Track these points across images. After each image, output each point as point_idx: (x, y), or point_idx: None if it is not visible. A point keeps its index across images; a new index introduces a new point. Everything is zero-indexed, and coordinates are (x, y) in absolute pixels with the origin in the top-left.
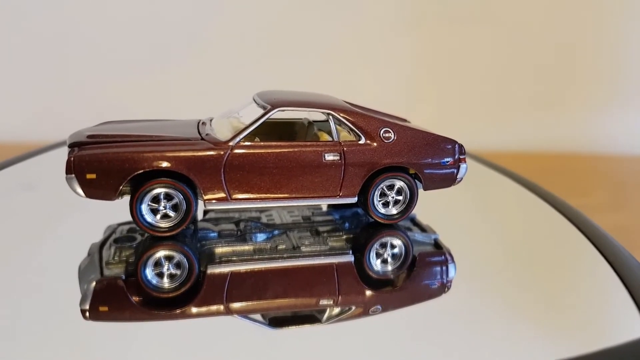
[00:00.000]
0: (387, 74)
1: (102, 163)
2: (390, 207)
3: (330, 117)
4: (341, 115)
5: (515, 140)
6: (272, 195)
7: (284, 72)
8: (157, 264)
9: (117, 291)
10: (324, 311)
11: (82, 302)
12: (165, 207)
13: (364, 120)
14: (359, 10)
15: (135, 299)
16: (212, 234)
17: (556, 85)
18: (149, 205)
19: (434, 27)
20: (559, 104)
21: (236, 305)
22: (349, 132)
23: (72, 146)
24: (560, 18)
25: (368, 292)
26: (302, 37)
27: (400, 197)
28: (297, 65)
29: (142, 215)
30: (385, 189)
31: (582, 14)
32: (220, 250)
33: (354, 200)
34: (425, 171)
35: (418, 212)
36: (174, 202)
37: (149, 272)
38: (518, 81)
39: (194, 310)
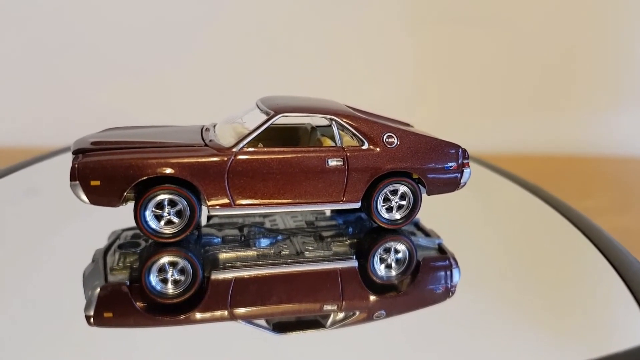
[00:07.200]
0: (389, 77)
1: (106, 170)
2: (393, 212)
3: (333, 122)
4: (344, 120)
5: (519, 142)
6: (276, 201)
7: (287, 77)
8: (161, 269)
9: (121, 297)
10: (327, 316)
11: (86, 308)
12: (169, 213)
13: (367, 125)
14: (361, 13)
15: (139, 304)
16: (216, 240)
17: (559, 86)
18: (153, 211)
19: (436, 29)
20: (562, 106)
21: (240, 310)
22: (352, 137)
23: (76, 153)
24: (563, 19)
25: (372, 298)
26: (304, 41)
27: (403, 202)
28: (299, 69)
29: (146, 222)
30: (389, 194)
31: (585, 14)
32: (224, 255)
33: (358, 205)
34: (428, 176)
35: (422, 216)
36: (177, 208)
37: (153, 278)
38: (521, 83)
39: (198, 315)
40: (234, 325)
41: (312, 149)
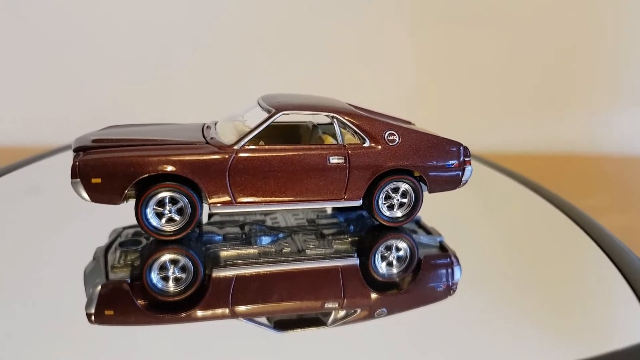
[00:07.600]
0: (389, 77)
1: (108, 167)
2: (395, 209)
3: (335, 120)
4: (345, 118)
5: (519, 142)
6: (277, 199)
7: (287, 77)
8: (163, 267)
9: (122, 295)
10: (329, 314)
11: (87, 305)
12: (170, 211)
13: (368, 123)
14: (361, 12)
15: (140, 302)
16: (217, 238)
17: (560, 85)
18: (154, 209)
19: (436, 28)
20: (563, 105)
21: (241, 308)
22: (353, 135)
23: (77, 150)
24: (563, 19)
25: (373, 295)
26: (305, 41)
27: (405, 200)
28: (299, 69)
29: (147, 219)
30: (390, 192)
31: (585, 14)
32: (225, 253)
33: (359, 203)
34: (430, 174)
35: (423, 214)
36: (179, 205)
37: (154, 276)
38: (520, 83)
39: (199, 313)
40: (235, 323)
41: (313, 146)
